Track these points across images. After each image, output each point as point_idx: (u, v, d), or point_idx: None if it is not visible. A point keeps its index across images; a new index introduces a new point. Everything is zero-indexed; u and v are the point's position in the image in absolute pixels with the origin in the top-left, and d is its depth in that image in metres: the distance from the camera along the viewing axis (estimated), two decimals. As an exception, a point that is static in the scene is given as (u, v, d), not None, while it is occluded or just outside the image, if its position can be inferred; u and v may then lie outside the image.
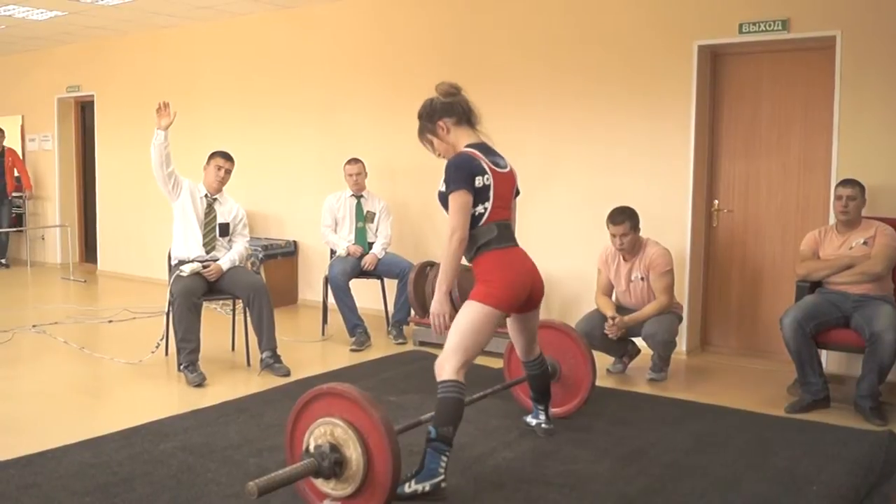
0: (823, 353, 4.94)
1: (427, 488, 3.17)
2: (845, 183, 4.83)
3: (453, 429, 3.22)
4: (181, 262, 5.40)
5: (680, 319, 5.34)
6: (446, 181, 3.41)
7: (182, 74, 8.95)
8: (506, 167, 3.57)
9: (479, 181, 3.38)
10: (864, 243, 4.76)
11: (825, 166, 5.54)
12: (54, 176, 10.78)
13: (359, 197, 6.63)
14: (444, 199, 3.42)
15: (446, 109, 3.50)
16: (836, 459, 3.72)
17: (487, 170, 3.43)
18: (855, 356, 4.94)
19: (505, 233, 3.47)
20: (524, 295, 3.51)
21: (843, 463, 3.67)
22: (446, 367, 3.27)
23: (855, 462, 3.68)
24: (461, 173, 3.38)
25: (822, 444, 3.94)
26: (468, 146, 3.49)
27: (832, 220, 5.09)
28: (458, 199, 3.36)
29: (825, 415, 4.54)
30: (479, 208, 3.41)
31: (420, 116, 3.57)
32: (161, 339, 5.66)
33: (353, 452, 2.92)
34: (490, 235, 3.41)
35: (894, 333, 4.40)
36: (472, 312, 3.35)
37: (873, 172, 5.10)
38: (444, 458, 3.20)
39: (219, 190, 5.58)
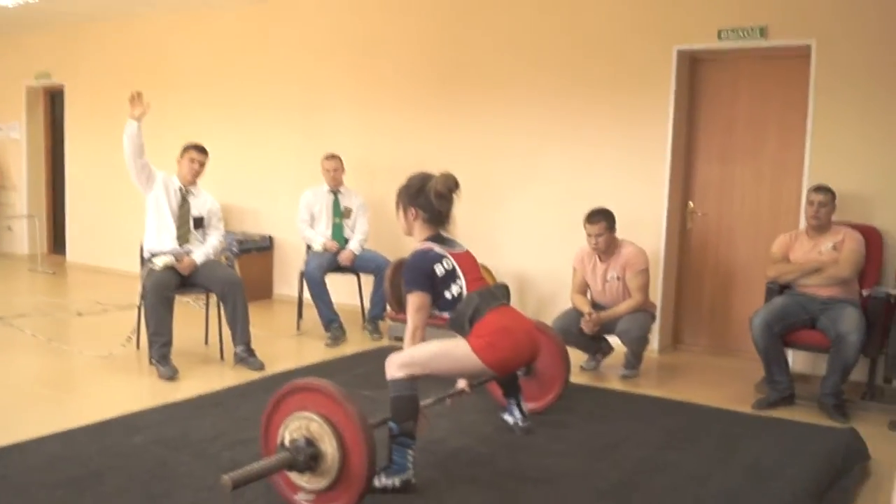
0: (790, 353, 5.03)
1: (398, 483, 3.22)
2: (818, 189, 4.93)
3: (413, 423, 3.26)
4: (154, 255, 5.36)
5: (653, 318, 5.41)
6: (404, 280, 3.47)
7: (156, 65, 8.86)
8: (462, 249, 3.58)
9: (439, 269, 3.41)
10: (833, 248, 4.86)
11: (797, 172, 5.62)
12: (22, 166, 10.62)
13: (336, 192, 6.62)
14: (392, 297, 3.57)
15: (427, 206, 3.47)
16: (800, 454, 3.80)
17: (445, 254, 3.45)
18: (820, 356, 5.04)
19: (487, 296, 3.45)
20: (522, 361, 3.53)
21: (807, 458, 3.75)
22: (399, 371, 3.29)
23: (818, 457, 3.76)
24: (416, 274, 3.42)
25: (787, 440, 4.02)
26: (425, 239, 3.51)
27: (803, 224, 5.18)
28: (415, 300, 3.41)
29: (791, 412, 4.64)
30: (454, 289, 3.42)
31: (407, 188, 3.53)
32: (132, 333, 5.62)
33: (329, 447, 2.93)
34: (473, 304, 3.38)
35: (858, 335, 4.51)
36: (461, 349, 3.34)
37: (844, 179, 5.20)
38: (411, 452, 3.25)
39: (193, 182, 5.54)
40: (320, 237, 6.49)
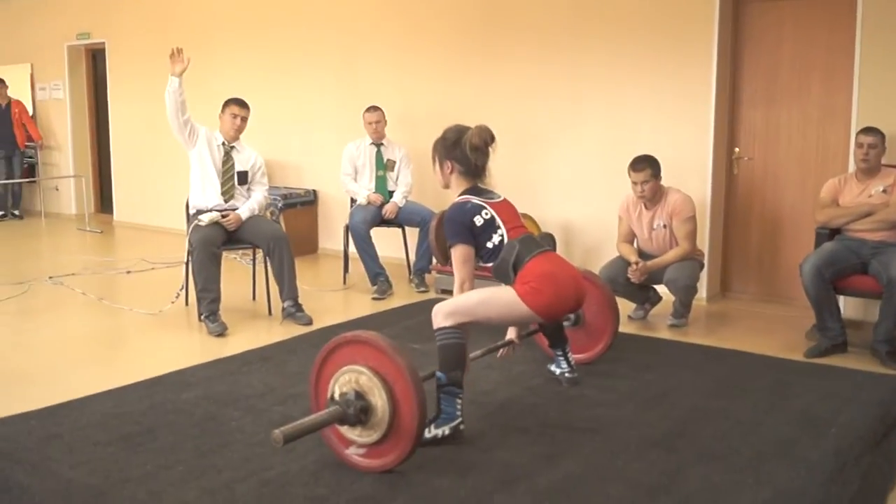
0: (841, 299, 4.94)
1: (447, 432, 3.24)
2: (867, 131, 4.81)
3: (461, 372, 3.27)
4: (199, 212, 5.40)
5: (701, 266, 5.34)
6: (446, 235, 3.49)
7: (197, 20, 8.86)
8: (499, 198, 3.56)
9: (478, 220, 3.42)
10: (884, 191, 4.77)
11: (845, 114, 5.48)
12: (66, 125, 10.75)
13: (378, 145, 6.59)
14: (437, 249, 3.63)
15: (464, 159, 3.47)
16: (853, 403, 3.74)
17: (483, 204, 3.45)
18: (872, 302, 4.96)
19: (529, 243, 3.45)
20: (569, 307, 3.51)
21: (861, 406, 3.70)
22: (446, 320, 3.29)
23: (872, 405, 3.71)
24: (456, 227, 3.43)
25: (839, 388, 3.97)
26: (462, 193, 3.50)
27: (852, 167, 5.06)
28: (459, 253, 3.43)
29: (843, 359, 4.56)
30: (495, 238, 3.44)
31: (443, 140, 3.53)
32: (181, 289, 5.69)
33: (379, 400, 2.94)
34: (515, 251, 3.38)
35: (911, 279, 4.41)
36: (506, 295, 3.35)
37: (894, 120, 5.05)
38: (459, 401, 3.27)
39: (236, 138, 5.54)
40: (364, 190, 6.48)
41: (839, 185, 4.95)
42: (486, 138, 3.45)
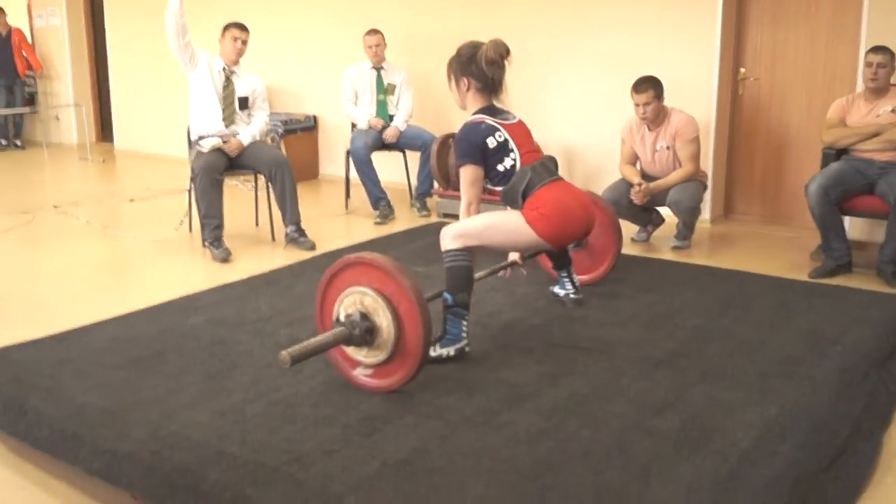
0: (846, 220, 4.92)
1: (452, 352, 3.27)
2: (876, 50, 4.73)
3: (468, 294, 3.29)
4: (201, 138, 5.35)
5: (705, 187, 5.31)
6: (455, 154, 3.41)
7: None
8: (514, 119, 3.50)
9: (491, 142, 3.36)
10: (892, 111, 4.73)
11: (854, 34, 5.40)
12: (65, 53, 10.60)
13: (379, 69, 6.50)
14: (455, 169, 3.44)
15: (480, 75, 3.39)
16: (859, 322, 3.75)
17: (497, 126, 3.38)
18: (878, 223, 4.95)
19: (541, 170, 3.40)
20: (577, 235, 3.49)
21: (866, 325, 3.70)
22: (453, 242, 3.29)
23: (878, 324, 3.71)
24: (467, 146, 3.37)
25: (845, 308, 3.97)
26: (477, 111, 3.43)
27: (860, 87, 4.99)
28: (468, 173, 3.38)
29: (848, 280, 4.58)
30: (507, 161, 3.38)
31: (458, 57, 3.45)
32: (184, 216, 5.68)
33: (384, 320, 2.95)
34: (526, 178, 3.34)
35: (919, 199, 4.39)
36: (515, 221, 3.33)
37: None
38: (465, 323, 3.29)
39: (236, 62, 5.46)
40: (365, 115, 6.41)
41: (847, 105, 4.89)
42: (502, 51, 3.39)
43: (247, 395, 2.98)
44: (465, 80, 3.44)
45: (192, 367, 3.27)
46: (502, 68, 3.41)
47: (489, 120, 3.41)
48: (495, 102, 3.48)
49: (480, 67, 3.38)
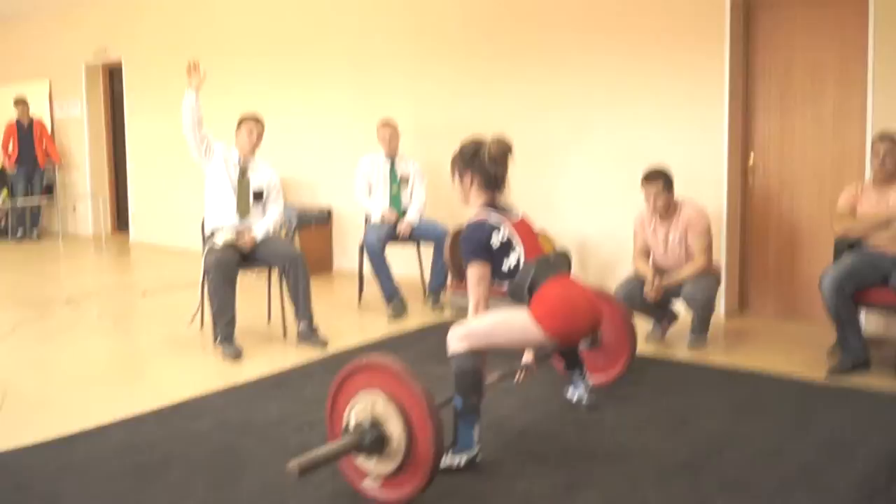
0: (862, 316, 4.85)
1: (463, 462, 3.21)
2: (882, 137, 4.72)
3: (478, 398, 3.24)
4: (215, 231, 5.37)
5: (718, 281, 5.28)
6: (462, 253, 3.44)
7: (212, 36, 8.88)
8: (518, 215, 3.53)
9: (495, 239, 3.37)
10: (903, 198, 4.66)
11: (860, 119, 5.42)
12: (83, 144, 10.81)
13: (392, 159, 6.56)
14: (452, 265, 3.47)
15: (483, 171, 3.43)
16: (879, 426, 3.67)
17: (500, 222, 3.40)
18: (893, 318, 4.86)
19: (545, 266, 3.39)
20: (584, 331, 3.44)
21: (887, 429, 3.62)
22: (460, 345, 3.26)
23: (898, 428, 3.63)
24: (473, 245, 3.39)
25: (864, 411, 3.89)
26: (480, 207, 3.47)
27: (868, 173, 4.97)
28: (475, 272, 3.38)
29: (866, 378, 4.47)
30: (512, 258, 3.38)
31: (461, 153, 3.50)
32: (196, 312, 5.67)
33: (395, 428, 2.90)
34: (531, 274, 3.33)
35: (934, 292, 4.32)
36: (521, 319, 3.29)
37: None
38: (476, 428, 3.23)
39: (251, 153, 5.52)
40: (379, 207, 6.44)
41: (857, 193, 4.84)
42: (505, 148, 3.43)
43: (253, 507, 2.92)
44: (469, 176, 3.47)
45: (196, 475, 3.22)
46: (505, 165, 3.44)
47: (493, 218, 3.41)
48: (498, 198, 3.50)
49: (483, 164, 3.41)
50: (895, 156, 4.68)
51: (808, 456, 3.35)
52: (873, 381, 4.42)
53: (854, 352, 4.59)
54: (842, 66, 5.59)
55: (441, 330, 5.46)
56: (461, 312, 5.79)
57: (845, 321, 4.59)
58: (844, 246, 4.85)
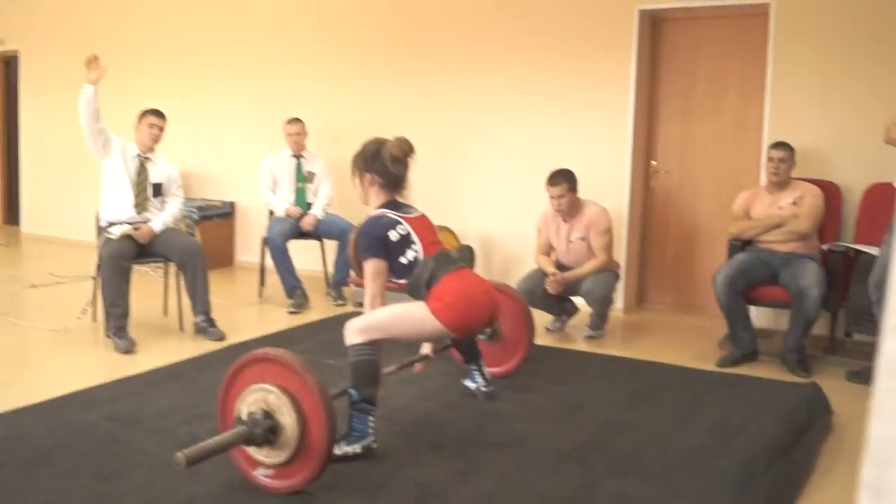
0: (752, 309, 5.04)
1: (358, 450, 3.19)
2: (777, 146, 4.95)
3: (374, 389, 3.23)
4: (110, 224, 5.23)
5: (618, 277, 5.39)
6: (359, 248, 3.43)
7: (113, 28, 8.60)
8: (417, 213, 3.53)
9: (393, 235, 3.38)
10: (793, 203, 4.89)
11: (757, 129, 5.64)
12: (-25, 135, 10.35)
13: (299, 157, 6.49)
14: (356, 262, 3.50)
15: (384, 171, 3.43)
16: (764, 411, 3.81)
17: (399, 219, 3.41)
18: (782, 312, 5.08)
19: (444, 260, 3.41)
20: (482, 323, 3.46)
21: (771, 414, 3.77)
22: (357, 337, 3.25)
23: (781, 414, 3.77)
24: (370, 240, 3.38)
25: (751, 397, 4.04)
26: (380, 206, 3.47)
27: (763, 180, 5.18)
28: (371, 267, 3.38)
29: (754, 368, 4.67)
30: (409, 254, 3.39)
31: (362, 153, 3.49)
32: (88, 304, 5.49)
33: (288, 419, 2.86)
34: (429, 269, 3.34)
35: (819, 290, 4.53)
36: (418, 311, 3.29)
37: (803, 135, 5.23)
38: (371, 419, 3.22)
39: (152, 148, 5.39)
40: (283, 203, 6.37)
41: (751, 197, 5.08)
42: (406, 149, 3.43)
43: (139, 499, 2.84)
44: (369, 176, 3.46)
45: (82, 468, 3.10)
46: (406, 166, 3.45)
47: (391, 214, 3.41)
48: (398, 198, 3.50)
49: (384, 164, 3.40)
50: (788, 164, 4.92)
51: (695, 440, 3.45)
52: (761, 370, 4.61)
53: (743, 343, 4.78)
54: (742, 79, 5.80)
55: (341, 322, 5.38)
56: (362, 307, 5.77)
57: (736, 315, 4.78)
58: (738, 246, 5.03)
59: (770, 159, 4.96)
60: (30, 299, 6.42)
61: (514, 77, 6.35)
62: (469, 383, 3.94)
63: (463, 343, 3.85)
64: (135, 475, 3.03)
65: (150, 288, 6.17)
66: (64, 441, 3.35)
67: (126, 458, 3.19)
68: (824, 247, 4.92)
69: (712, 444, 3.41)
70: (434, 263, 3.36)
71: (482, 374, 3.89)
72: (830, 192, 5.05)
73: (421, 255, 3.38)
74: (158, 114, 5.41)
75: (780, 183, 4.95)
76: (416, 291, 3.38)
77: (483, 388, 3.89)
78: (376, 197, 3.48)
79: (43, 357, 4.91)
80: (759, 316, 5.36)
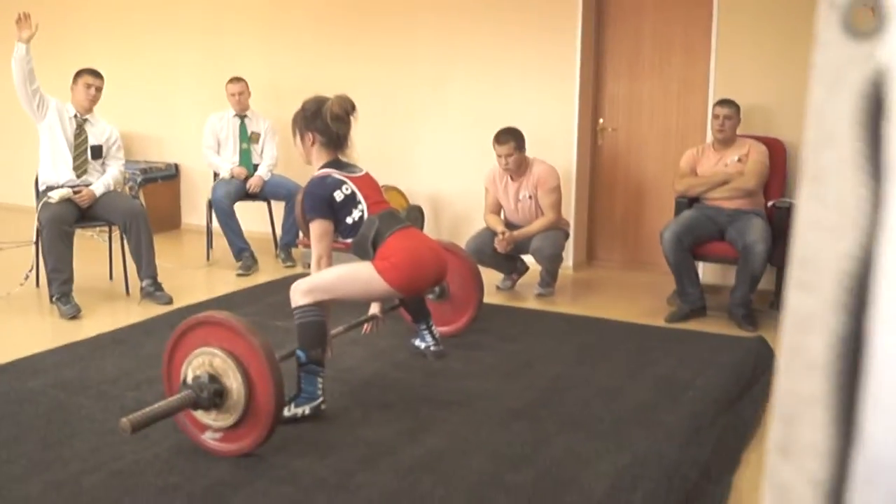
0: (700, 265, 5.11)
1: (308, 411, 3.18)
2: (722, 103, 4.98)
3: (322, 350, 3.22)
4: (49, 188, 5.10)
5: (567, 235, 5.41)
6: (303, 210, 3.39)
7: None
8: (361, 171, 3.50)
9: (338, 195, 3.35)
10: (739, 160, 4.93)
11: (703, 87, 5.65)
12: None
13: (242, 117, 6.38)
14: (304, 223, 3.45)
15: (325, 130, 3.39)
16: (710, 366, 3.87)
17: (344, 179, 3.38)
18: (729, 267, 5.15)
19: (389, 219, 3.40)
20: (430, 282, 3.46)
21: (717, 369, 3.82)
22: (304, 298, 3.22)
23: (728, 368, 3.84)
24: (315, 201, 3.35)
25: (698, 352, 4.10)
26: (323, 165, 3.43)
27: (709, 138, 5.22)
28: (317, 228, 3.35)
29: (702, 323, 4.73)
30: (355, 213, 3.37)
31: (303, 112, 3.45)
32: (30, 271, 5.36)
33: (234, 382, 2.84)
34: (374, 227, 3.33)
35: (765, 245, 4.59)
36: (365, 272, 3.28)
37: (748, 93, 5.24)
38: (320, 380, 3.21)
39: (89, 109, 5.26)
40: (227, 164, 6.26)
41: (697, 155, 5.11)
42: (347, 107, 3.39)
43: (85, 465, 2.80)
44: (311, 135, 3.42)
45: (26, 435, 3.05)
46: (347, 123, 3.41)
47: (335, 174, 3.38)
48: (341, 157, 3.46)
49: (325, 123, 3.36)
50: (734, 121, 4.95)
51: (644, 395, 3.50)
52: (708, 325, 4.67)
53: (691, 299, 4.83)
54: (688, 37, 5.80)
55: (289, 284, 5.37)
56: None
57: (683, 272, 4.83)
58: (685, 203, 5.07)
59: (715, 116, 4.98)
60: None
61: (462, 36, 6.28)
62: (418, 343, 3.94)
63: (412, 302, 3.85)
64: (80, 441, 2.99)
65: (95, 253, 6.05)
66: (7, 409, 3.29)
67: (72, 424, 3.14)
68: (770, 203, 4.98)
69: (660, 399, 3.46)
70: (379, 222, 3.33)
71: (431, 334, 3.90)
72: (775, 149, 5.09)
73: (366, 215, 3.35)
74: (95, 73, 5.26)
75: (726, 140, 4.98)
76: (362, 251, 3.36)
77: (432, 348, 3.90)
78: (318, 156, 3.45)
79: (-16, 324, 4.79)
80: (706, 272, 5.43)
